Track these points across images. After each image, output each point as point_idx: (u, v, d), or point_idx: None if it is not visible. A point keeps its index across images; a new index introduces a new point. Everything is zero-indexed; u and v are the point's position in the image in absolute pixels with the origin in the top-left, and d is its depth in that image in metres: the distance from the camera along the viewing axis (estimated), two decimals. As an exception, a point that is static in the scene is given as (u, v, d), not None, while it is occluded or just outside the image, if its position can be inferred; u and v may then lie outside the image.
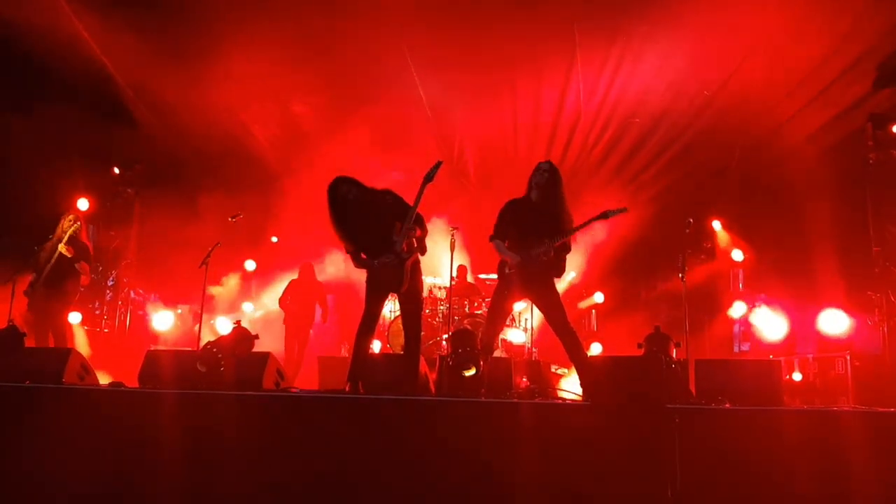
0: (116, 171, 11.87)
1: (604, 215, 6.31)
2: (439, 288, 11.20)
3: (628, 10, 9.06)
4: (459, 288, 10.92)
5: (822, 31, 8.80)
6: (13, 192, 10.71)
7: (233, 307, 12.23)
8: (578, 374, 6.28)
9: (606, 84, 10.36)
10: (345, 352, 10.84)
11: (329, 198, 6.36)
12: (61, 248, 8.36)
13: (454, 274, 10.02)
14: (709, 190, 11.15)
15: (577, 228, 6.32)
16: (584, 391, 6.13)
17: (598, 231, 11.19)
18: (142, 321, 11.91)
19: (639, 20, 9.13)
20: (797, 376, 8.22)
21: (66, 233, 8.50)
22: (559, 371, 9.76)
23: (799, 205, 9.83)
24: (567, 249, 6.45)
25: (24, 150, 10.86)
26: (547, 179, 6.36)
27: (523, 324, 10.46)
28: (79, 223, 8.62)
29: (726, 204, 11.40)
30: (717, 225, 11.40)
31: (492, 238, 6.52)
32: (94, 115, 10.84)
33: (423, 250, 6.48)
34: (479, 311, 10.47)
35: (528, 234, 6.34)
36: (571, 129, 11.36)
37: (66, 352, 6.95)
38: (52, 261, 8.38)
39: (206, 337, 8.27)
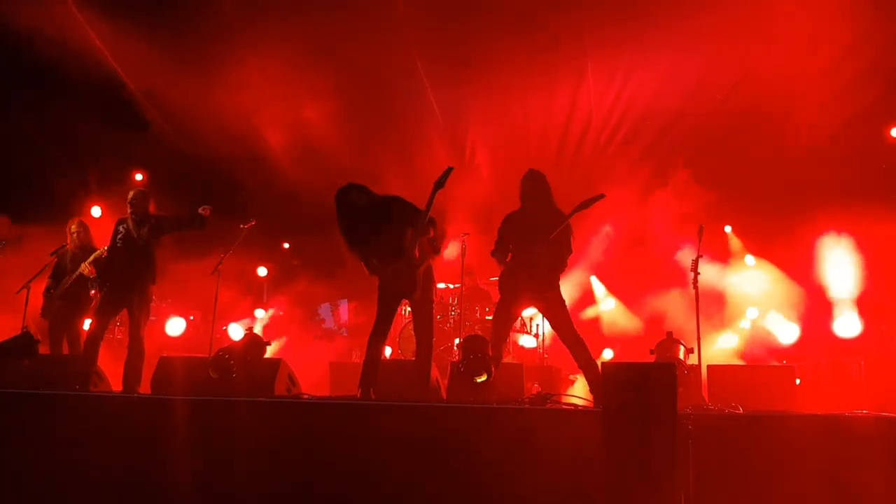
0: (139, 177, 11.90)
1: (583, 205, 6.34)
2: (451, 294, 11.19)
3: (639, 15, 9.05)
4: (470, 293, 10.91)
5: (835, 34, 8.76)
6: (26, 199, 10.79)
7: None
8: (587, 379, 6.30)
9: (618, 88, 10.33)
10: (356, 357, 10.84)
11: (338, 204, 6.37)
12: (84, 268, 8.37)
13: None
14: (721, 194, 11.09)
15: (565, 220, 6.37)
16: (594, 396, 6.13)
17: (610, 235, 11.18)
18: (154, 327, 11.94)
19: (650, 24, 9.11)
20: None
21: (77, 245, 8.53)
22: (571, 376, 9.73)
23: (811, 208, 9.78)
24: (567, 248, 6.49)
25: (36, 157, 10.95)
26: (536, 189, 6.55)
27: (534, 329, 10.43)
28: (82, 229, 8.64)
29: (739, 208, 11.34)
30: (728, 229, 11.36)
31: (493, 253, 6.65)
32: (107, 122, 10.91)
33: (437, 250, 6.49)
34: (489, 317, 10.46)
35: (525, 242, 6.43)
36: (583, 132, 11.33)
37: (79, 358, 6.99)
38: (74, 277, 8.41)
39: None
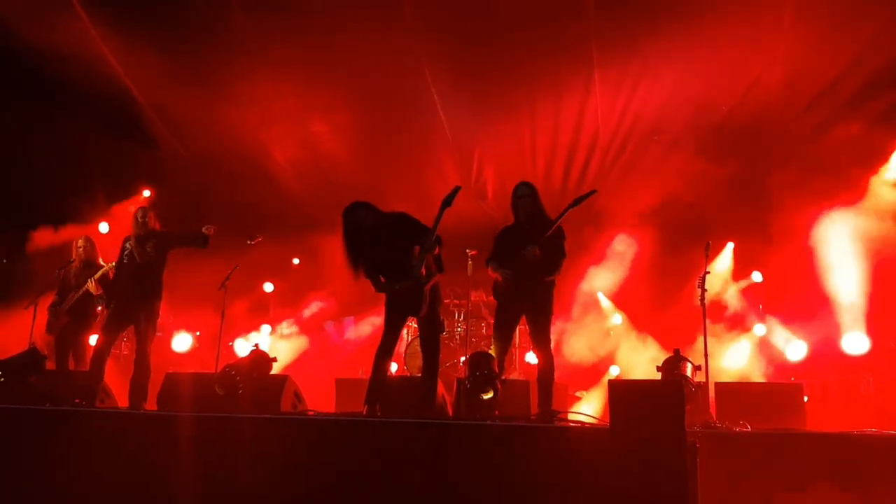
0: (147, 193, 11.93)
1: (575, 202, 6.38)
2: (458, 311, 11.18)
3: (646, 27, 9.07)
4: (476, 309, 10.90)
5: (842, 42, 8.76)
6: (36, 215, 10.84)
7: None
8: (539, 389, 6.28)
9: (625, 101, 10.33)
10: (362, 374, 10.81)
11: (344, 223, 6.40)
12: (90, 286, 8.39)
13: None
14: (728, 208, 11.07)
15: (556, 220, 6.37)
16: (539, 412, 6.15)
17: (618, 251, 11.16)
18: (160, 343, 11.93)
19: (656, 36, 9.12)
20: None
21: (82, 261, 8.55)
22: (577, 393, 9.69)
23: (819, 222, 9.75)
24: (560, 252, 6.44)
25: (46, 172, 11.00)
26: (531, 201, 6.55)
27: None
28: (88, 245, 8.66)
29: (746, 222, 11.30)
30: (731, 245, 11.33)
31: (487, 262, 6.66)
32: (116, 137, 10.98)
33: (441, 268, 6.49)
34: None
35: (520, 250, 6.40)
36: (590, 148, 11.31)
37: (86, 374, 7.00)
38: (80, 293, 8.43)
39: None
